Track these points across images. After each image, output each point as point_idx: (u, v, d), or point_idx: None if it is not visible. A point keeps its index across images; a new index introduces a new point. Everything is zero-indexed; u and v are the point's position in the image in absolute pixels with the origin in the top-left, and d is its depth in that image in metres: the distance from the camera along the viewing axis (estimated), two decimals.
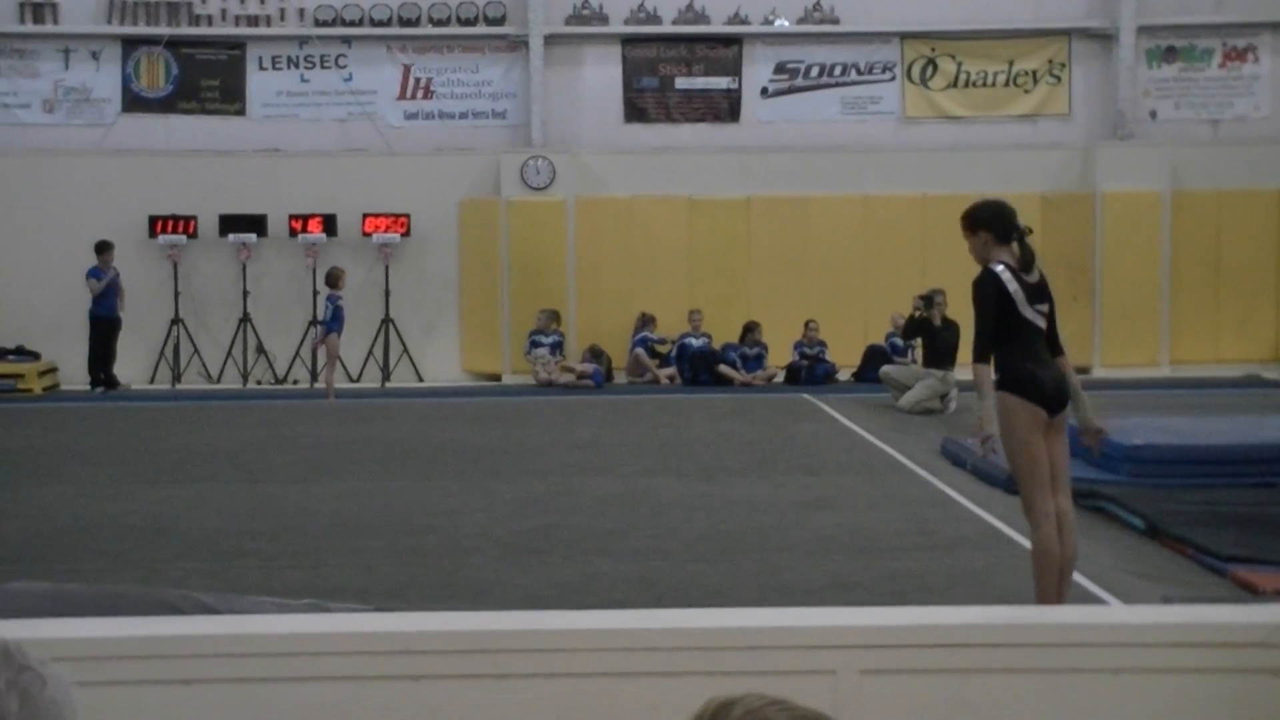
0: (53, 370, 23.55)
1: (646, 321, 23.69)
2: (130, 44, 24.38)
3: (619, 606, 7.86)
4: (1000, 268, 8.05)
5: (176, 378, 23.71)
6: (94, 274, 22.78)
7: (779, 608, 5.36)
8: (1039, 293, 8.14)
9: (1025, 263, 8.10)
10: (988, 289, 8.05)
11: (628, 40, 24.76)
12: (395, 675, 4.02)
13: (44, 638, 4.00)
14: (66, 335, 23.21)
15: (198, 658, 4.11)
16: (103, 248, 22.86)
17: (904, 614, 4.73)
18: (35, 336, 23.52)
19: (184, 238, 23.81)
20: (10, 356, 23.33)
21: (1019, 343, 8.02)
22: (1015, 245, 8.17)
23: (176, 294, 23.81)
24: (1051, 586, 8.00)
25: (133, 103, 24.42)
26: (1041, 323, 8.13)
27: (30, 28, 24.22)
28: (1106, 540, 10.66)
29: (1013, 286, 8.01)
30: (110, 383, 22.95)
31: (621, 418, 19.06)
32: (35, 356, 23.42)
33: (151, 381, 23.70)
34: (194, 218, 23.82)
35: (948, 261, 23.29)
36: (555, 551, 10.36)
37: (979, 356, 8.09)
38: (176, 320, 23.78)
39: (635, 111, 24.81)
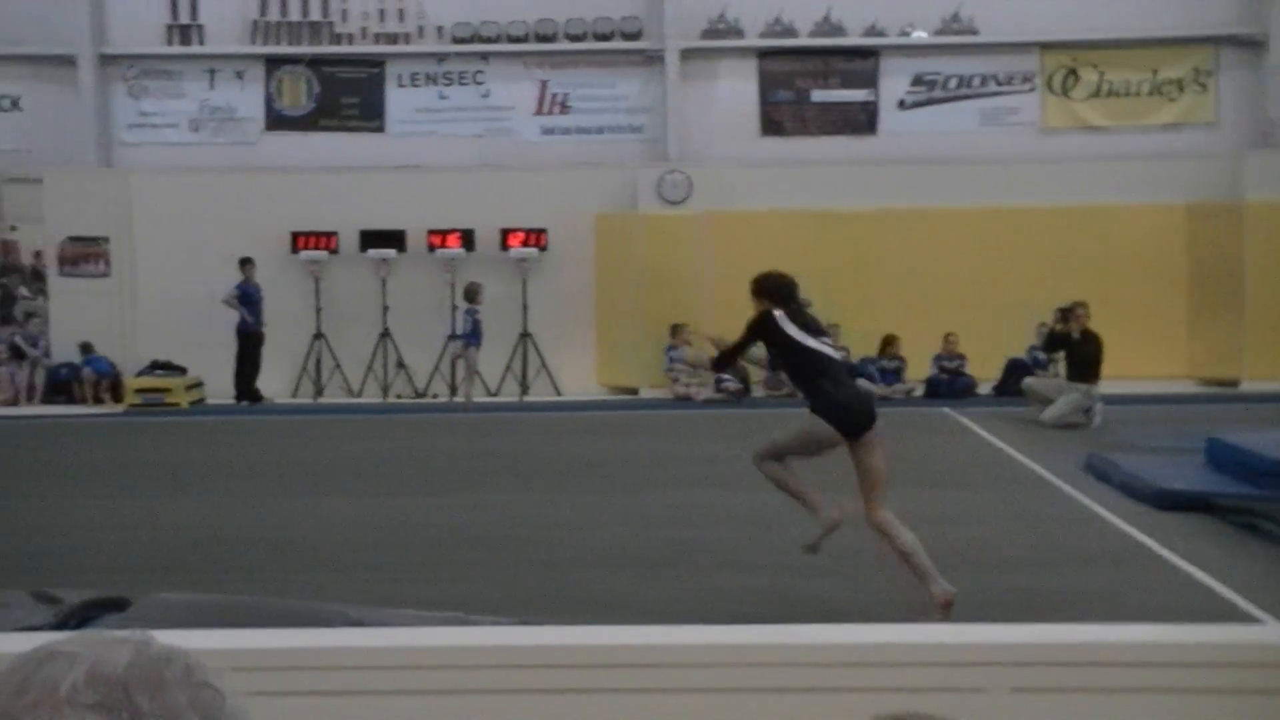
0: (199, 384, 23.97)
1: None
2: (273, 63, 24.79)
3: (749, 621, 7.81)
4: (778, 313, 9.20)
5: (318, 391, 24.02)
6: (239, 289, 23.21)
7: (926, 624, 5.28)
8: (818, 330, 9.30)
9: (803, 320, 9.25)
10: (756, 321, 9.30)
11: (764, 53, 24.70)
12: (539, 689, 4.01)
13: (190, 649, 4.04)
14: (212, 350, 23.59)
15: (344, 670, 4.13)
16: (245, 263, 23.27)
17: (1055, 631, 4.63)
18: (182, 351, 23.95)
19: (325, 253, 24.14)
20: (158, 371, 23.80)
21: (821, 372, 9.04)
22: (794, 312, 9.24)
23: (318, 309, 24.13)
24: (806, 494, 9.11)
25: (275, 121, 24.83)
26: (833, 353, 9.25)
27: (177, 49, 24.74)
28: (1259, 557, 10.40)
29: (787, 324, 9.13)
30: (254, 396, 23.32)
31: (757, 432, 18.94)
32: (182, 371, 23.86)
33: (294, 395, 24.03)
34: (335, 234, 24.13)
35: (1088, 273, 22.97)
36: (685, 565, 10.33)
37: (721, 361, 9.83)
38: (318, 335, 24.10)
39: (771, 124, 24.74)
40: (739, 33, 24.67)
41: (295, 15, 24.71)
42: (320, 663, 4.22)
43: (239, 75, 24.77)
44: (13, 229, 24.75)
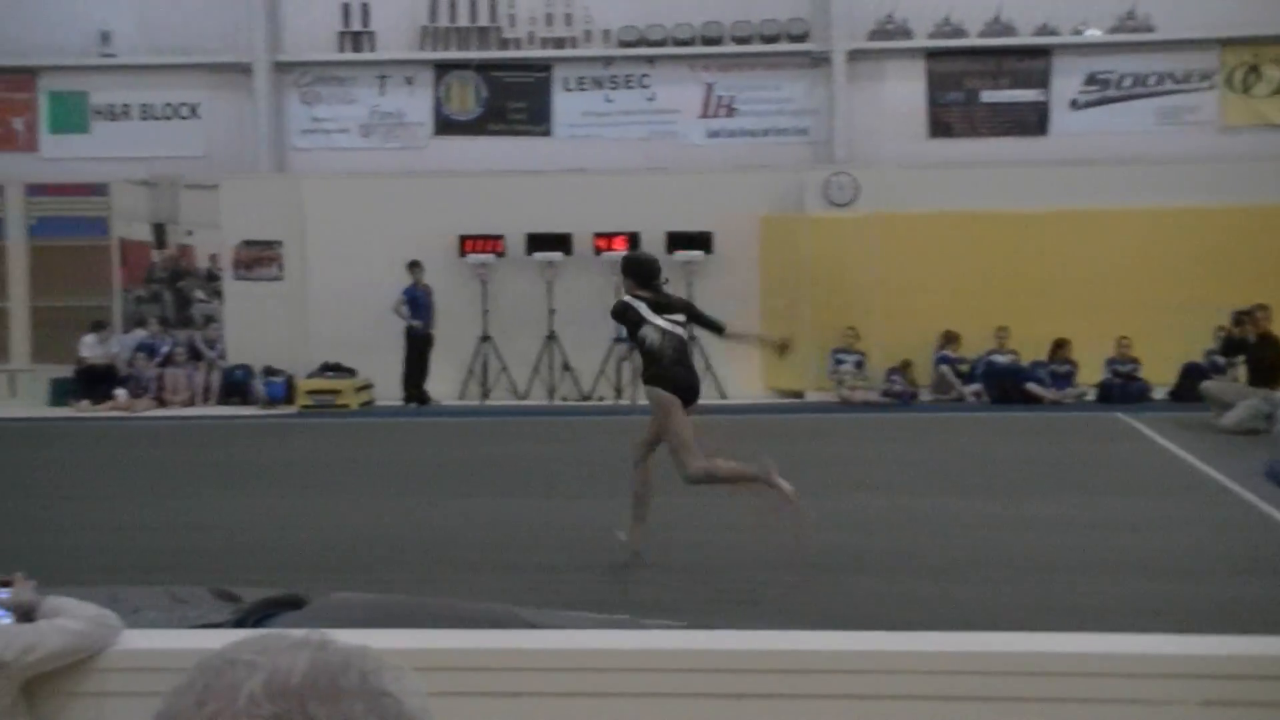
0: (368, 386, 24.31)
1: (949, 339, 23.31)
2: (442, 69, 25.09)
3: (920, 628, 7.69)
4: (629, 297, 10.73)
5: (485, 394, 24.22)
6: (406, 293, 23.55)
7: (1115, 634, 5.14)
8: (669, 308, 10.80)
9: (658, 303, 10.70)
10: (619, 309, 10.82)
11: (932, 54, 24.43)
12: (717, 693, 3.97)
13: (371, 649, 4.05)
14: (381, 352, 23.90)
15: (518, 671, 4.13)
16: (413, 266, 23.60)
17: (1245, 643, 4.48)
18: (352, 353, 24.30)
19: (492, 256, 24.34)
20: (329, 373, 24.18)
21: (665, 345, 10.63)
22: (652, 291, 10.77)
23: (485, 312, 24.34)
24: (744, 472, 10.55)
25: (444, 126, 25.12)
26: (679, 330, 10.79)
27: (349, 55, 25.15)
28: None
29: (640, 305, 10.62)
30: (422, 398, 23.60)
31: (925, 436, 18.75)
32: (352, 373, 24.21)
33: (461, 397, 24.25)
34: (502, 237, 24.33)
35: (1269, 275, 22.33)
36: (855, 570, 10.21)
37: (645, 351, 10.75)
38: (485, 337, 24.31)
39: (940, 125, 24.45)
40: (907, 33, 24.42)
41: (464, 21, 24.99)
42: (494, 664, 4.22)
43: (409, 81, 25.12)
44: (189, 234, 25.32)
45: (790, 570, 10.17)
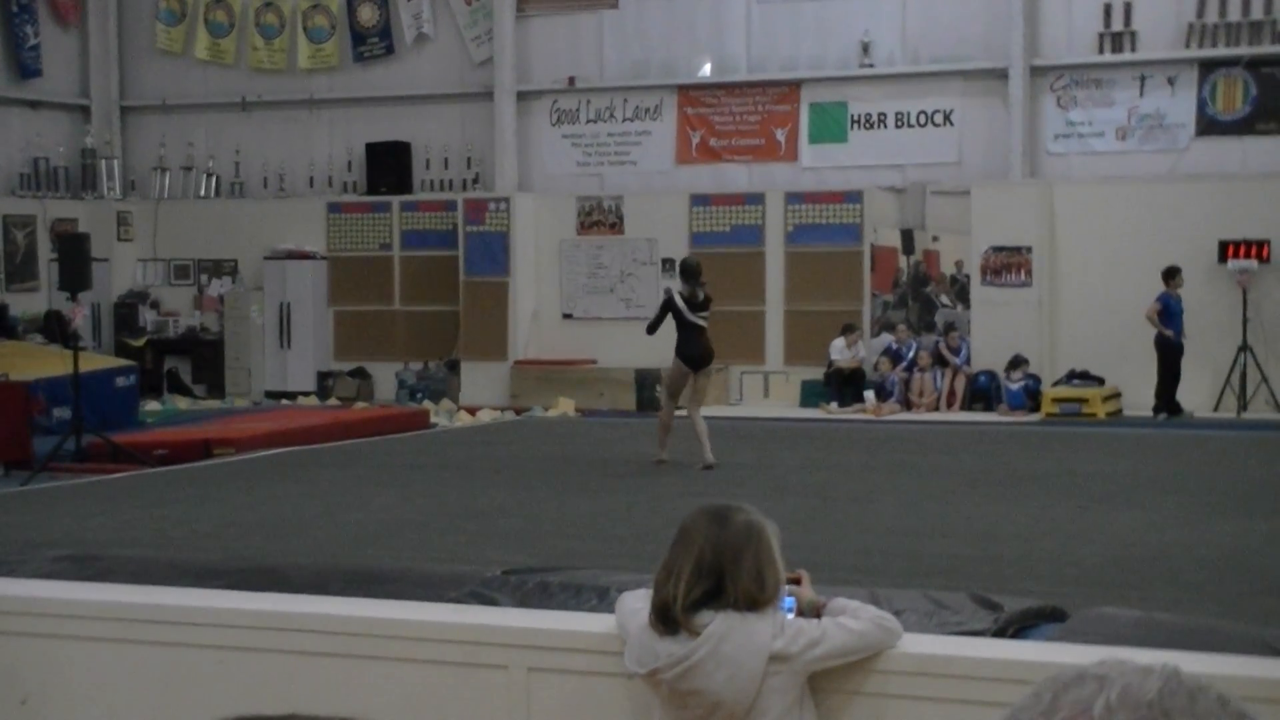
0: (1116, 395, 23.68)
1: None
2: (1207, 67, 24.01)
3: None
4: (674, 293, 16.00)
5: (1242, 406, 23.01)
6: (1162, 300, 22.77)
7: None
8: (699, 307, 15.74)
9: (691, 298, 15.71)
10: (665, 299, 16.18)
11: None
12: None
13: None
14: (1130, 360, 23.22)
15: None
16: (1169, 274, 22.77)
17: None
18: (1100, 361, 23.75)
19: (1254, 263, 23.08)
20: (1075, 380, 23.76)
21: (687, 331, 15.66)
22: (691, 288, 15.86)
23: (1245, 320, 23.11)
24: (663, 433, 15.88)
25: (1207, 126, 24.02)
26: (702, 322, 15.71)
27: (1108, 57, 24.53)
28: None
29: (680, 302, 15.71)
30: (1173, 409, 22.74)
31: None
32: (1100, 381, 23.67)
33: (1215, 409, 23.15)
34: (1266, 242, 23.02)
35: None
36: None
37: (649, 330, 16.23)
38: (1244, 348, 23.09)
39: None
40: None
41: (1235, 16, 23.78)
42: (1260, 694, 3.92)
43: (1170, 81, 24.18)
44: (935, 239, 25.55)
45: None
